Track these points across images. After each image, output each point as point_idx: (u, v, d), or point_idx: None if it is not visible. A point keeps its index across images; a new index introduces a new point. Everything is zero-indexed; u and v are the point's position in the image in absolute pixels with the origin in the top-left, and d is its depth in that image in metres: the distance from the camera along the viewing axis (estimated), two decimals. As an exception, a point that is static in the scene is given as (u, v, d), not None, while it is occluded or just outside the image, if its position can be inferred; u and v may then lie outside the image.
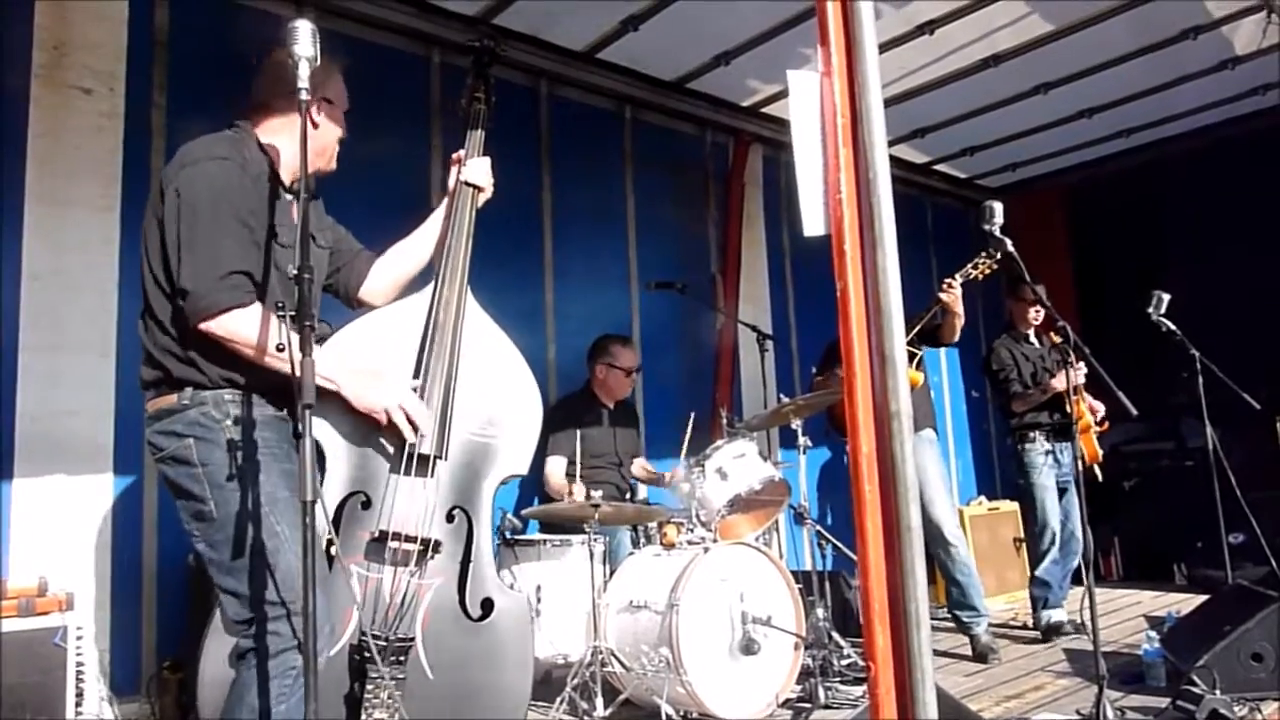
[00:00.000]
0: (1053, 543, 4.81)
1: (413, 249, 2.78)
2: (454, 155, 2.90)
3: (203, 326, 2.10)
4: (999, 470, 7.55)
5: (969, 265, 4.34)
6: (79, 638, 3.00)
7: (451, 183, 2.86)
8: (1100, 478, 4.98)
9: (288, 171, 2.38)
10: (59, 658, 2.93)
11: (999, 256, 4.22)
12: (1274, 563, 3.90)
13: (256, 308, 2.15)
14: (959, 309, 4.37)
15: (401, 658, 2.37)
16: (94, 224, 3.46)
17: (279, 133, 2.37)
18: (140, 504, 3.65)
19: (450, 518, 2.57)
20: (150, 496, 3.70)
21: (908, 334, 4.34)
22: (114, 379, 3.48)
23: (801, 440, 4.17)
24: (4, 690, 2.79)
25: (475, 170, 2.84)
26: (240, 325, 2.12)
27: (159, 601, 3.70)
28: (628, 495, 4.72)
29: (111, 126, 3.58)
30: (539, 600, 3.70)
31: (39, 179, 3.45)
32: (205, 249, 2.10)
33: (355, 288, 2.69)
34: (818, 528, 4.16)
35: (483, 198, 2.86)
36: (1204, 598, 4.33)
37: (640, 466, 4.91)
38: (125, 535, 3.58)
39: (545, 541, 3.87)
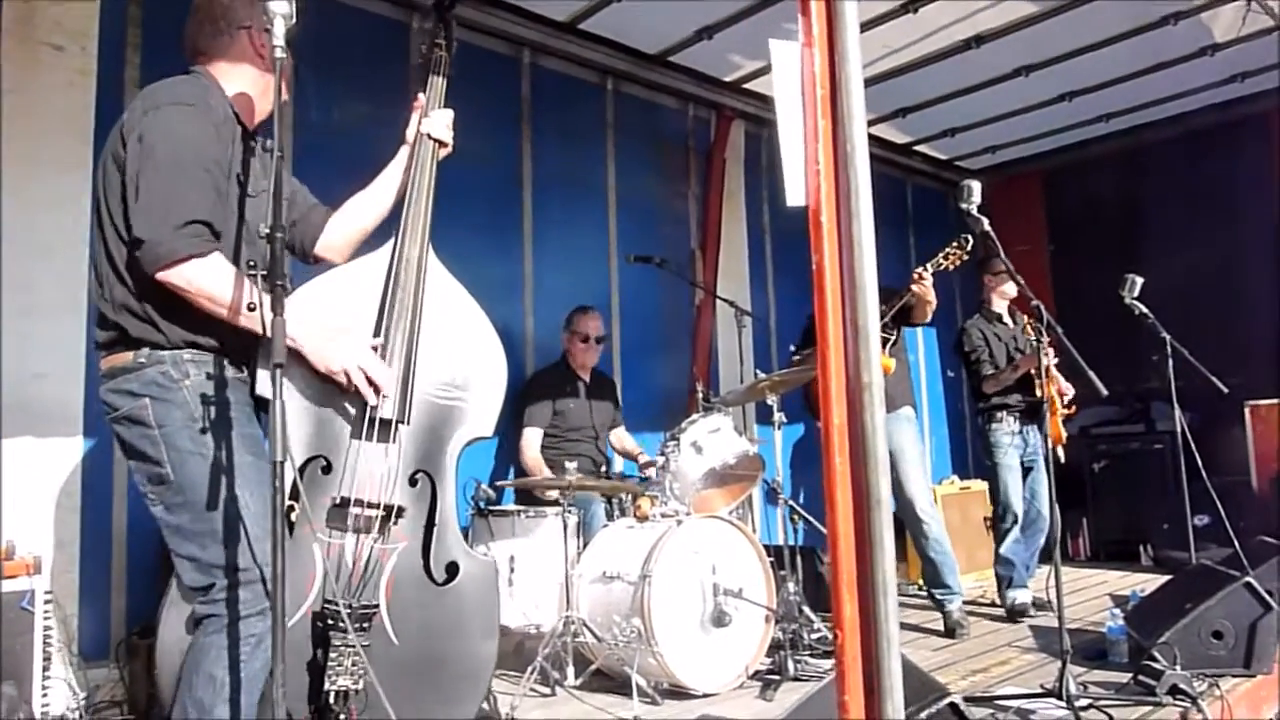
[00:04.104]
0: (1015, 522, 4.86)
1: (370, 202, 2.67)
2: (416, 100, 2.76)
3: (160, 276, 2.02)
4: (971, 450, 7.61)
5: (940, 255, 4.31)
6: (47, 602, 2.97)
7: (411, 132, 2.73)
8: (1063, 459, 5.02)
9: (245, 117, 2.29)
10: (26, 622, 2.90)
11: (969, 247, 4.23)
12: (1236, 544, 3.96)
13: (216, 257, 2.07)
14: (930, 297, 4.37)
15: (365, 624, 2.33)
16: (65, 183, 3.37)
17: (229, 76, 2.28)
18: (110, 468, 3.61)
19: (413, 481, 2.51)
20: (121, 461, 3.63)
21: (881, 318, 4.38)
22: (84, 341, 3.40)
23: (777, 416, 4.19)
24: (-29, 654, 2.77)
25: (437, 123, 2.73)
26: (198, 275, 2.04)
27: (129, 567, 3.67)
28: (603, 468, 4.74)
29: (83, 83, 3.49)
30: (512, 571, 3.71)
31: (9, 137, 3.35)
32: (165, 197, 2.02)
33: (311, 243, 2.60)
34: (790, 503, 4.19)
35: (444, 153, 2.75)
36: (1168, 578, 4.40)
37: (618, 438, 4.92)
38: (95, 499, 3.54)
39: (520, 513, 3.88)
